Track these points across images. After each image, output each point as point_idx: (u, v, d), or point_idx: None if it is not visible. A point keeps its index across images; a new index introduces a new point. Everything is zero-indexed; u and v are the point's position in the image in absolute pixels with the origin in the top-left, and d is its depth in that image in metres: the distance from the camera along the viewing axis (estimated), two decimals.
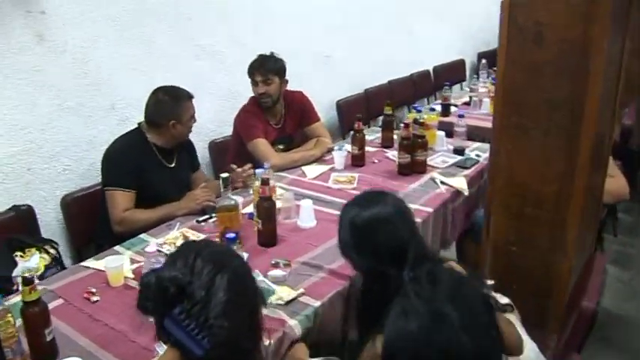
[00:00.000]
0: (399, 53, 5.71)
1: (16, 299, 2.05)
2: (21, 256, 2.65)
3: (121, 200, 2.80)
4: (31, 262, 2.61)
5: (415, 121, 3.33)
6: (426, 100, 5.94)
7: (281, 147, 3.54)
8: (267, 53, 3.48)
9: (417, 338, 1.35)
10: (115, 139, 2.94)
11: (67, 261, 2.97)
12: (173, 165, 3.01)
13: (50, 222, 3.08)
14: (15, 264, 2.63)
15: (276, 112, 3.57)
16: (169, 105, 2.87)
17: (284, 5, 4.37)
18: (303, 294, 2.10)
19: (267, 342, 1.83)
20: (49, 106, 3.03)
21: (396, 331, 1.40)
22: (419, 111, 3.75)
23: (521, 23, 2.14)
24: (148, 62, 3.47)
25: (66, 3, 3.02)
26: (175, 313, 1.15)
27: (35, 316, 1.75)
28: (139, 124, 2.96)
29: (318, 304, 2.07)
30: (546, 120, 2.13)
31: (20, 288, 1.95)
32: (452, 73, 6.11)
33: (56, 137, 3.07)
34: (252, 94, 3.49)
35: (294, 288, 2.12)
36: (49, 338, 1.79)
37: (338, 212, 2.65)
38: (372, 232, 1.74)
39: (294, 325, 1.94)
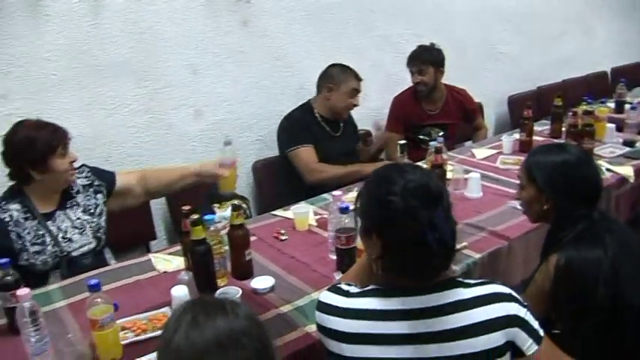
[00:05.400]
0: (574, 52, 5.68)
1: None
2: (218, 207, 3.08)
3: (306, 154, 3.25)
4: (227, 212, 3.01)
5: (585, 112, 3.39)
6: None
7: (431, 133, 3.81)
8: (428, 44, 3.74)
9: (599, 265, 1.73)
10: (287, 114, 3.39)
11: None
12: (339, 134, 3.42)
13: (241, 183, 3.52)
14: (214, 213, 3.06)
15: (434, 100, 3.85)
16: (332, 72, 3.32)
17: (462, 1, 4.57)
18: (465, 247, 2.31)
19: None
20: (246, 83, 3.50)
21: (580, 254, 1.76)
22: (589, 102, 3.78)
23: None
24: (334, 49, 3.83)
25: None
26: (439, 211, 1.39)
27: (239, 237, 2.11)
28: (309, 99, 3.40)
29: (478, 256, 2.28)
30: None
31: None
32: (633, 76, 5.87)
33: (251, 110, 3.54)
34: None
35: (458, 242, 2.31)
36: (247, 258, 2.14)
37: (504, 188, 2.90)
38: (583, 170, 1.89)
39: (455, 272, 2.15)
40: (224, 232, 2.19)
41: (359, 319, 1.41)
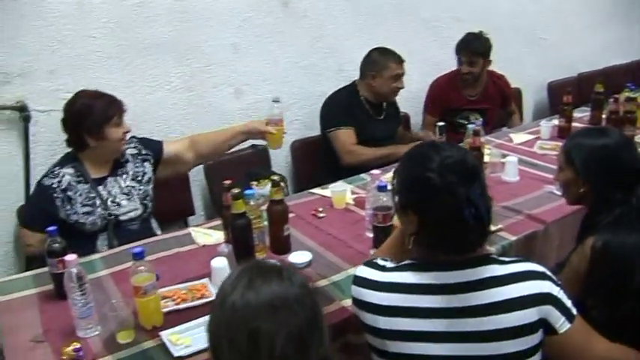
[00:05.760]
0: (618, 38, 5.57)
1: None
2: (256, 185, 3.12)
3: (345, 136, 3.29)
4: (265, 189, 3.05)
5: (627, 99, 3.34)
6: None
7: (470, 117, 3.80)
8: (476, 31, 3.72)
9: (637, 250, 1.71)
10: (331, 94, 3.44)
11: None
12: (382, 117, 3.46)
13: (280, 162, 3.58)
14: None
15: (475, 86, 3.84)
16: (375, 58, 3.33)
17: None
18: (501, 229, 2.32)
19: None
20: (286, 63, 3.54)
21: (617, 238, 1.74)
22: (632, 89, 3.73)
23: None
24: (374, 31, 3.84)
25: None
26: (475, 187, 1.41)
27: (278, 213, 2.15)
28: (355, 81, 3.42)
29: (513, 238, 2.29)
30: None
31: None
32: None
33: (291, 91, 3.58)
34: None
35: (493, 223, 2.31)
36: (285, 233, 2.19)
37: (541, 173, 2.87)
38: (623, 155, 1.87)
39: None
40: (263, 208, 2.23)
41: (395, 292, 1.44)
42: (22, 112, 2.77)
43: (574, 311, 1.45)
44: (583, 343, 1.47)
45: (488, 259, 1.46)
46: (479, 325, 1.39)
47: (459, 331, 1.40)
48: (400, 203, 1.51)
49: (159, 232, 2.64)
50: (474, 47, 3.67)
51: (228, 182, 2.14)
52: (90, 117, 2.39)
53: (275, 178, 2.20)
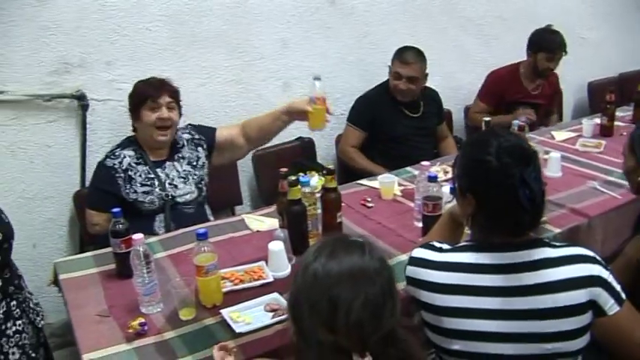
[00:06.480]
0: None
1: None
2: (303, 176, 3.20)
3: (351, 135, 3.42)
4: (312, 181, 3.13)
5: None
6: None
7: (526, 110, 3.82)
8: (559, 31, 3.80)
9: None
10: (365, 92, 3.50)
11: None
12: (418, 115, 3.46)
13: (324, 156, 3.64)
14: None
15: (536, 81, 3.88)
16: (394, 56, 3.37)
17: None
18: (545, 222, 2.35)
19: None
20: (333, 58, 3.60)
21: None
22: None
23: None
24: (419, 28, 3.89)
25: None
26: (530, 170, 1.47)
27: (332, 200, 2.21)
28: (388, 79, 3.45)
29: (557, 230, 2.33)
30: None
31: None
32: None
33: (337, 85, 3.64)
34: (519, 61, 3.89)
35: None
36: (339, 220, 2.24)
37: (584, 169, 2.91)
38: None
39: None
40: (317, 196, 2.29)
41: (452, 271, 1.52)
42: (81, 100, 2.88)
43: (623, 296, 1.49)
44: (631, 327, 1.50)
45: (541, 242, 1.52)
46: (531, 304, 1.45)
47: (513, 309, 1.46)
48: (460, 187, 1.59)
49: (211, 218, 2.73)
50: (564, 46, 3.74)
51: (284, 170, 2.21)
52: (132, 98, 2.58)
53: (330, 167, 2.25)
